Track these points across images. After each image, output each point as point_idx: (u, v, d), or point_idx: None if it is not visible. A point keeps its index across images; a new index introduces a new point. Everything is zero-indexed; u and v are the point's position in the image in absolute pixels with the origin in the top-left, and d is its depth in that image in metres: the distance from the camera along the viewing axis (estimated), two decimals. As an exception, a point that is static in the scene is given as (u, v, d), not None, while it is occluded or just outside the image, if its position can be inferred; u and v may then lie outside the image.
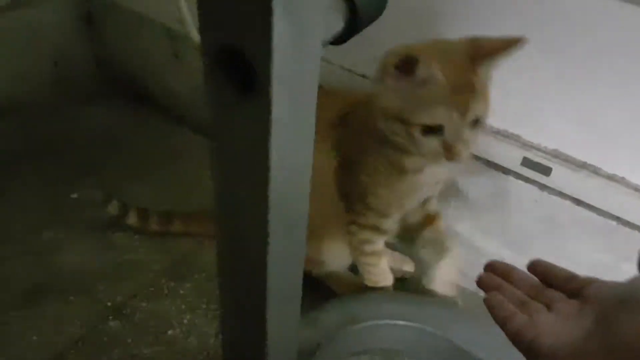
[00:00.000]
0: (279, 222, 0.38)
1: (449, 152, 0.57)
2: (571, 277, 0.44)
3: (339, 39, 0.38)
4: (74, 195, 0.97)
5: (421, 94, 0.55)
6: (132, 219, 0.88)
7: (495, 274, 0.48)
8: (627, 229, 0.68)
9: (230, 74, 0.31)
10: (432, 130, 0.56)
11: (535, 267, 0.47)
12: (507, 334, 0.41)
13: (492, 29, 0.58)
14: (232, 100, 0.31)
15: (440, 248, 0.76)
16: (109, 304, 0.80)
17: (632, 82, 0.62)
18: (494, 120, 0.73)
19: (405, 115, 0.57)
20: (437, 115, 0.55)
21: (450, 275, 0.78)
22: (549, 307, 0.41)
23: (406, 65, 0.54)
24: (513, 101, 0.70)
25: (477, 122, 0.57)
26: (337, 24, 0.36)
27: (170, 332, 0.77)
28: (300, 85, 0.33)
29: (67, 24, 1.15)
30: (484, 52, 0.55)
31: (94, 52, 1.19)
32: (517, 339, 0.39)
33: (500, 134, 0.73)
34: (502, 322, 0.41)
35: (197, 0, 0.29)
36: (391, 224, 0.72)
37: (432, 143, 0.57)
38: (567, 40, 0.63)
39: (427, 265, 0.78)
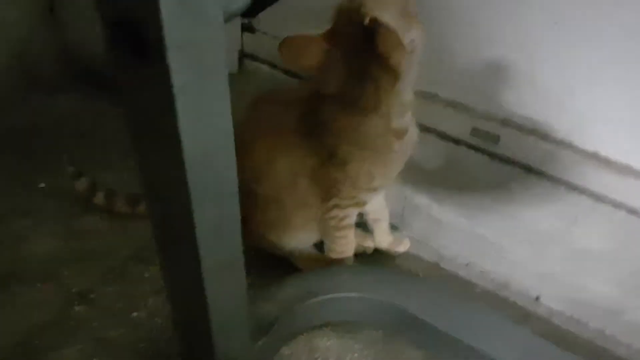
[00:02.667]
0: (202, 190, 0.39)
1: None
2: None
3: (249, 11, 0.38)
4: (42, 185, 0.98)
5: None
6: (99, 199, 0.90)
7: None
8: (575, 194, 0.70)
9: (129, 43, 0.32)
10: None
11: None
12: None
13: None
14: (134, 69, 0.32)
15: (382, 213, 0.84)
16: (75, 289, 0.81)
17: (575, 41, 0.62)
18: (443, 92, 0.74)
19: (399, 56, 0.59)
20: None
21: (387, 232, 0.87)
22: None
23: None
24: (460, 72, 0.71)
25: None
26: (243, -2, 0.36)
27: (135, 314, 0.78)
28: (202, 52, 0.33)
29: (30, 15, 1.15)
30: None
31: (58, 42, 1.19)
32: None
33: (449, 106, 0.74)
34: None
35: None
36: (376, 195, 0.76)
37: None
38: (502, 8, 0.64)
39: (371, 227, 0.86)
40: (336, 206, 0.73)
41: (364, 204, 0.75)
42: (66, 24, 1.16)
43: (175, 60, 0.31)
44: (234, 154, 0.41)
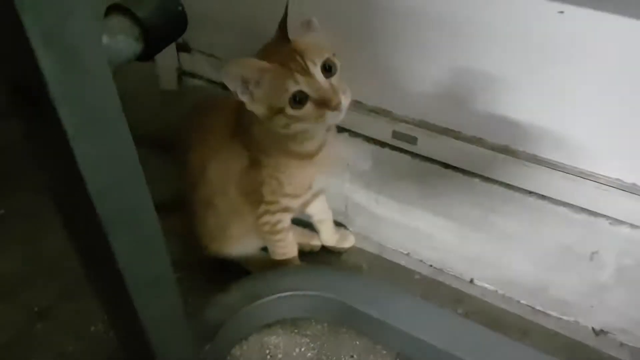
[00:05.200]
0: (115, 219, 0.43)
1: (326, 105, 0.63)
2: None
3: (143, 57, 0.43)
4: (1, 212, 1.01)
5: (268, 86, 0.63)
6: None
7: None
8: (488, 184, 0.76)
9: (25, 104, 0.36)
10: (300, 100, 0.63)
11: None
12: None
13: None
14: (35, 131, 0.37)
15: (325, 214, 0.90)
16: (36, 308, 0.85)
17: (477, 45, 0.67)
18: (365, 99, 0.79)
19: (274, 106, 0.64)
20: (289, 87, 0.62)
21: (332, 230, 0.92)
22: None
23: (239, 79, 0.63)
24: (378, 79, 0.76)
25: (330, 69, 0.64)
26: (133, 46, 0.41)
27: (92, 328, 0.82)
28: (94, 102, 0.38)
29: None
30: (283, 26, 0.65)
31: None
32: None
33: (372, 112, 0.79)
34: None
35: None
36: (301, 201, 0.80)
37: (309, 109, 0.63)
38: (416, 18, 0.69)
39: (317, 228, 0.91)
40: (266, 212, 0.77)
41: (292, 209, 0.79)
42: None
43: (65, 113, 0.36)
44: (143, 181, 0.45)
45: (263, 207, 0.77)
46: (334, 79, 0.64)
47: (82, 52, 0.36)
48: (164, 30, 0.42)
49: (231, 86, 0.63)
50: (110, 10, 0.40)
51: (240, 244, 0.84)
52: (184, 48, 0.91)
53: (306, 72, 0.62)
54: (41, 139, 0.38)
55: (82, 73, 0.36)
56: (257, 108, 0.65)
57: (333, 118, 0.64)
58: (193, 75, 0.93)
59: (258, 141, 0.72)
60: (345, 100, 0.63)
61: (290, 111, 0.63)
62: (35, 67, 0.33)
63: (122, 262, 0.46)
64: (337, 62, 0.64)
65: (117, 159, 0.42)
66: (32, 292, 0.87)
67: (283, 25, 0.64)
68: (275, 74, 0.62)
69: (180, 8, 0.42)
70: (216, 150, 0.76)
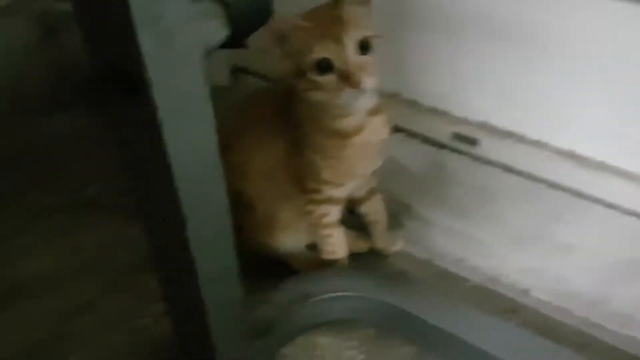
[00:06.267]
0: (194, 209, 0.43)
1: (346, 80, 0.62)
2: None
3: (229, 44, 0.42)
4: (41, 203, 1.01)
5: (299, 43, 0.63)
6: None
7: None
8: (554, 190, 0.73)
9: (117, 83, 0.35)
10: (324, 67, 0.63)
11: None
12: None
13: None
14: (122, 106, 0.36)
15: (379, 215, 0.87)
16: (79, 302, 0.85)
17: (544, 50, 0.66)
18: (424, 98, 0.77)
19: (299, 67, 0.64)
20: (316, 50, 0.62)
21: (384, 233, 0.90)
22: None
23: (276, 33, 0.63)
24: (441, 80, 0.75)
25: (364, 47, 0.63)
26: (221, 31, 0.40)
27: (138, 322, 0.82)
28: (185, 86, 0.37)
29: (29, 38, 1.18)
30: None
31: (58, 63, 1.22)
32: None
33: (431, 112, 0.77)
34: None
35: (77, 23, 0.34)
36: (345, 192, 0.78)
37: (329, 79, 0.63)
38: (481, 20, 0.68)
39: (369, 229, 0.89)
40: (311, 201, 0.77)
41: (337, 201, 0.77)
42: (66, 45, 1.20)
43: (159, 95, 0.35)
44: (222, 174, 0.44)
45: (308, 195, 0.77)
46: (366, 58, 0.64)
47: (178, 35, 0.35)
48: (251, 17, 0.41)
49: (269, 39, 0.63)
50: (200, -6, 0.40)
51: (289, 234, 0.82)
52: (239, 44, 0.91)
53: (339, 41, 0.62)
54: (130, 124, 0.38)
55: (177, 56, 0.36)
56: (285, 64, 0.65)
57: (351, 96, 0.64)
58: (247, 71, 0.92)
59: (298, 119, 0.71)
60: (368, 82, 0.63)
61: (311, 75, 0.63)
62: (135, 48, 0.33)
63: (196, 252, 0.45)
64: (374, 45, 0.64)
65: (201, 148, 0.41)
66: (74, 286, 0.87)
67: None
68: (308, 34, 0.63)
69: (268, -4, 0.41)
70: (263, 136, 0.76)
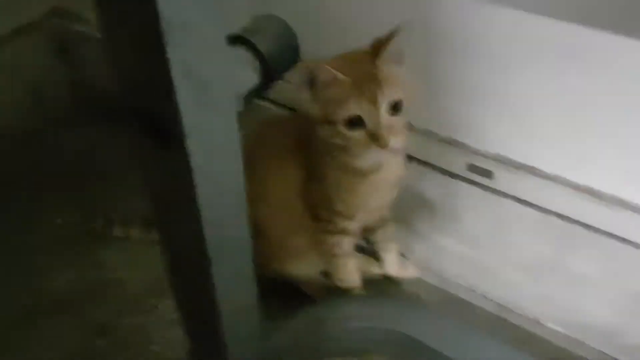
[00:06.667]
0: (219, 252, 0.43)
1: (374, 139, 0.63)
2: None
3: (258, 91, 0.42)
4: (58, 221, 1.02)
5: (332, 94, 0.63)
6: (117, 231, 0.96)
7: None
8: (566, 223, 0.73)
9: (150, 131, 0.36)
10: (355, 123, 0.63)
11: None
12: None
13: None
14: (154, 153, 0.36)
15: (390, 243, 0.88)
16: (95, 323, 0.85)
17: (563, 83, 0.66)
18: (439, 129, 0.78)
19: (328, 116, 0.64)
20: (350, 108, 0.62)
21: (397, 259, 0.90)
22: None
23: (308, 77, 0.63)
24: (456, 111, 0.75)
25: (396, 108, 0.63)
26: (252, 78, 0.41)
27: (152, 347, 0.82)
28: (218, 136, 0.37)
29: (43, 56, 1.20)
30: (379, 45, 0.63)
31: (71, 81, 1.24)
32: None
33: (446, 142, 0.77)
34: None
35: (112, 67, 0.34)
36: (357, 225, 0.78)
37: (358, 135, 0.64)
38: (497, 51, 0.68)
39: (382, 256, 0.90)
40: (324, 231, 0.77)
41: (350, 233, 0.77)
42: (79, 62, 1.21)
43: (193, 145, 0.35)
44: (246, 216, 0.45)
45: (321, 225, 0.77)
46: (396, 119, 0.63)
47: (214, 84, 0.36)
48: (280, 64, 0.42)
49: (297, 79, 0.63)
50: (231, 41, 0.40)
51: (301, 261, 0.83)
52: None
53: (374, 102, 0.62)
54: (160, 167, 0.38)
55: (212, 105, 0.36)
56: (313, 108, 0.65)
57: (377, 154, 0.65)
58: (260, 96, 0.93)
59: (315, 150, 0.71)
60: (395, 143, 0.63)
61: (341, 128, 0.64)
62: (171, 99, 0.33)
63: (219, 289, 0.46)
64: (406, 105, 0.63)
65: (230, 193, 0.41)
66: (91, 307, 0.87)
67: (380, 44, 0.63)
68: (344, 88, 0.62)
69: (296, 43, 0.42)
70: (278, 163, 0.76)
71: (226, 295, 0.47)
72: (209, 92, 0.35)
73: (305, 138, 0.72)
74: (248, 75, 0.40)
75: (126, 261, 0.94)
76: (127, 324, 0.85)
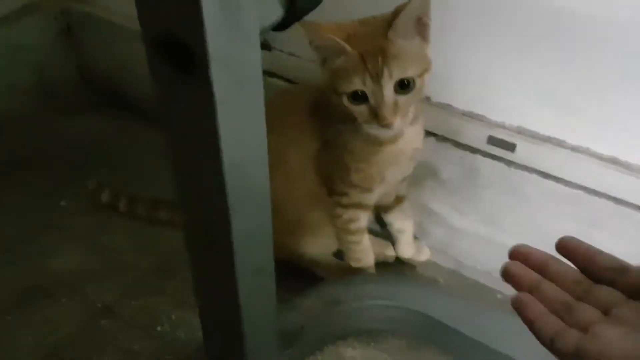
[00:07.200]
0: (238, 196, 0.40)
1: (377, 118, 0.60)
2: (621, 268, 0.35)
3: (280, 25, 0.40)
4: (63, 203, 0.99)
5: (339, 65, 0.61)
6: (122, 206, 0.94)
7: (526, 264, 0.38)
8: (593, 197, 0.70)
9: (172, 58, 0.33)
10: (359, 98, 0.61)
11: (569, 250, 0.37)
12: (556, 354, 0.32)
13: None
14: (176, 83, 0.34)
15: (406, 224, 0.85)
16: (99, 304, 0.83)
17: (583, 53, 0.64)
18: (458, 102, 0.75)
19: (334, 86, 0.62)
20: (353, 82, 0.60)
21: (411, 241, 0.88)
22: (605, 312, 0.33)
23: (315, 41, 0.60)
24: (475, 83, 0.73)
25: (405, 86, 0.60)
26: (276, 11, 0.38)
27: (159, 327, 0.79)
28: (241, 65, 0.35)
29: (47, 37, 1.17)
30: (395, 15, 0.59)
31: (75, 63, 1.21)
32: None
33: (465, 115, 0.75)
34: (549, 341, 0.32)
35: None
36: (373, 198, 0.75)
37: (361, 110, 0.61)
38: (521, 22, 0.66)
39: (395, 238, 0.87)
40: (338, 204, 0.74)
41: (365, 206, 0.75)
42: (83, 44, 1.19)
43: (217, 73, 0.33)
44: (267, 162, 0.42)
45: (336, 198, 0.74)
46: (404, 98, 0.61)
47: (243, 7, 0.33)
48: (306, 1, 0.39)
49: (312, 46, 0.61)
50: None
51: (316, 238, 0.80)
52: (263, 46, 0.89)
53: (378, 79, 0.59)
54: (180, 104, 0.36)
55: (239, 30, 0.33)
56: (324, 74, 0.63)
57: (380, 131, 0.63)
58: (271, 74, 0.90)
59: (331, 118, 0.69)
60: (400, 123, 0.61)
61: (345, 101, 0.62)
62: (198, 17, 0.31)
63: (237, 246, 0.43)
64: (419, 84, 0.61)
65: (250, 134, 0.39)
66: (96, 288, 0.85)
67: (396, 15, 0.59)
68: (349, 61, 0.60)
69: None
70: (292, 134, 0.73)
71: (244, 252, 0.45)
72: (237, 15, 0.33)
73: (320, 106, 0.70)
74: (274, 7, 0.37)
75: (132, 243, 0.92)
76: (133, 305, 0.82)
